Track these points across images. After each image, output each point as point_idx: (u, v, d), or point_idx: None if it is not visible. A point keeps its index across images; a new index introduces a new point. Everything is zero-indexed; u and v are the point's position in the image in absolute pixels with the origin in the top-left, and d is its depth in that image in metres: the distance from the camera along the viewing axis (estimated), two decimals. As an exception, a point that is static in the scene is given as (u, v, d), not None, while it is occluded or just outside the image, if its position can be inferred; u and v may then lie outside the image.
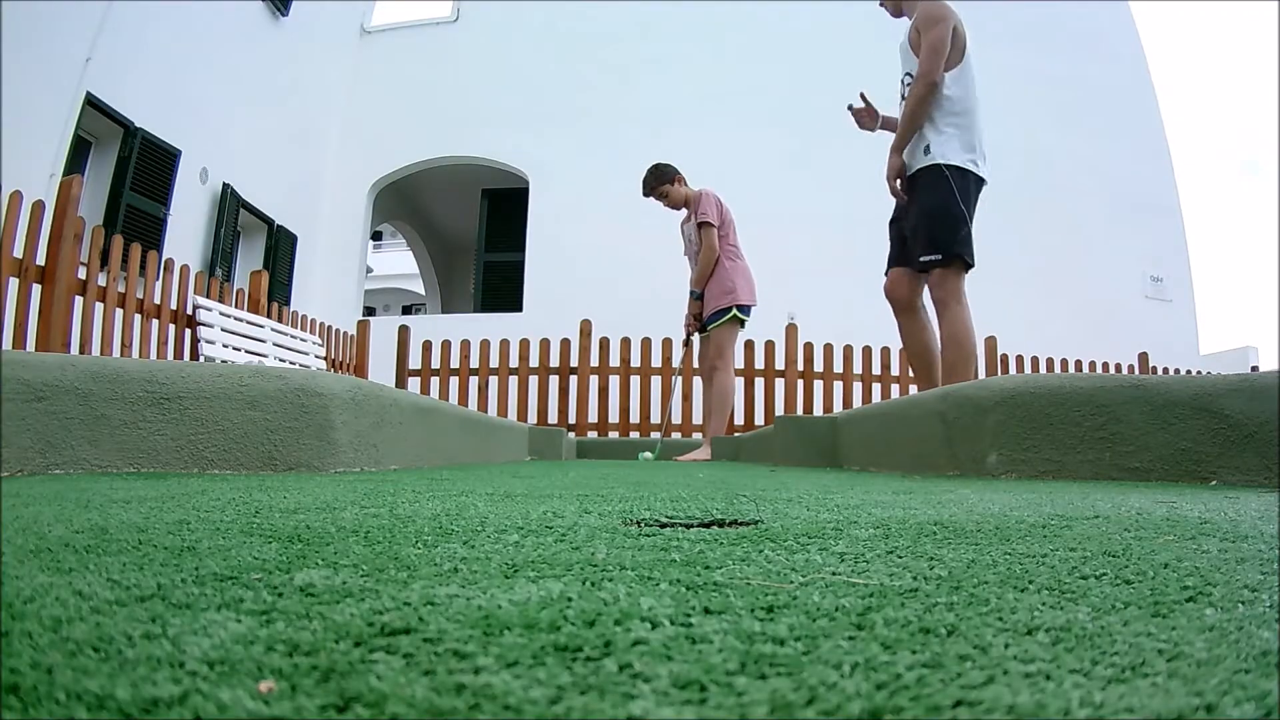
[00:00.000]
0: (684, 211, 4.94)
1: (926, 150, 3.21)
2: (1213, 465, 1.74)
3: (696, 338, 5.09)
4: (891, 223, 3.47)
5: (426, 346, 6.62)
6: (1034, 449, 1.94)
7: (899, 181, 3.28)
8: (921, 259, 3.17)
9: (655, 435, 6.21)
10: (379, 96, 10.30)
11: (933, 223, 3.16)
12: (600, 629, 0.40)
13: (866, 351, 6.54)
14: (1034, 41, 9.60)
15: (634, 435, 6.34)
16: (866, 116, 3.69)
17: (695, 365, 6.29)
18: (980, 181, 3.25)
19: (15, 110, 5.30)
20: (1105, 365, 7.68)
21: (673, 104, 9.36)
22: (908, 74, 3.31)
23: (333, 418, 2.08)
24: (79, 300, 4.21)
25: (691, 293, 4.76)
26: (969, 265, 3.16)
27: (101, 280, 4.43)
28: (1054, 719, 0.28)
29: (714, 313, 4.67)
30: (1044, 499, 1.25)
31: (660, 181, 4.80)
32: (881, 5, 3.55)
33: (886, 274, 3.46)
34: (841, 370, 6.51)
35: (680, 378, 6.08)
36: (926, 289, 3.30)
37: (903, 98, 3.36)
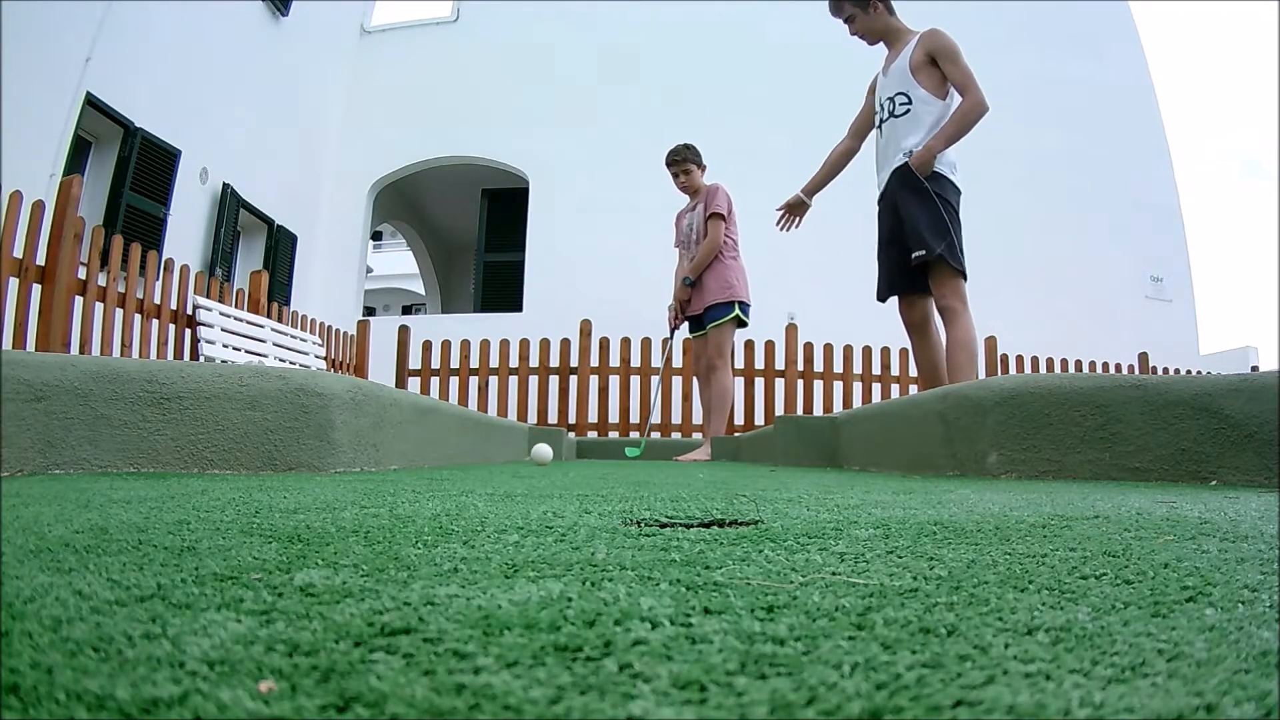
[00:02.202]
0: (685, 201, 4.96)
1: (910, 154, 3.32)
2: (1213, 465, 1.74)
3: (679, 334, 5.10)
4: (882, 249, 3.58)
5: (426, 346, 6.62)
6: (1034, 449, 1.94)
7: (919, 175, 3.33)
8: (914, 256, 3.27)
9: (634, 434, 6.21)
10: (379, 96, 10.29)
11: (918, 223, 3.28)
12: (600, 629, 0.40)
13: (866, 351, 6.54)
14: (1034, 41, 9.60)
15: (634, 435, 6.34)
16: (798, 211, 4.08)
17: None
18: (957, 190, 3.36)
19: (15, 110, 5.30)
20: (1105, 365, 7.68)
21: (673, 104, 9.36)
22: (902, 94, 3.40)
23: (333, 418, 2.08)
24: (79, 300, 4.21)
25: (685, 280, 4.75)
26: (960, 270, 3.26)
27: (101, 280, 4.43)
28: (1054, 719, 0.28)
29: (713, 309, 4.67)
30: (1044, 499, 1.25)
31: (691, 159, 4.84)
32: (855, 34, 3.64)
33: (882, 298, 3.61)
34: (841, 370, 6.51)
35: (660, 377, 6.07)
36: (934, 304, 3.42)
37: (891, 114, 3.47)
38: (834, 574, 0.57)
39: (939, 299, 3.30)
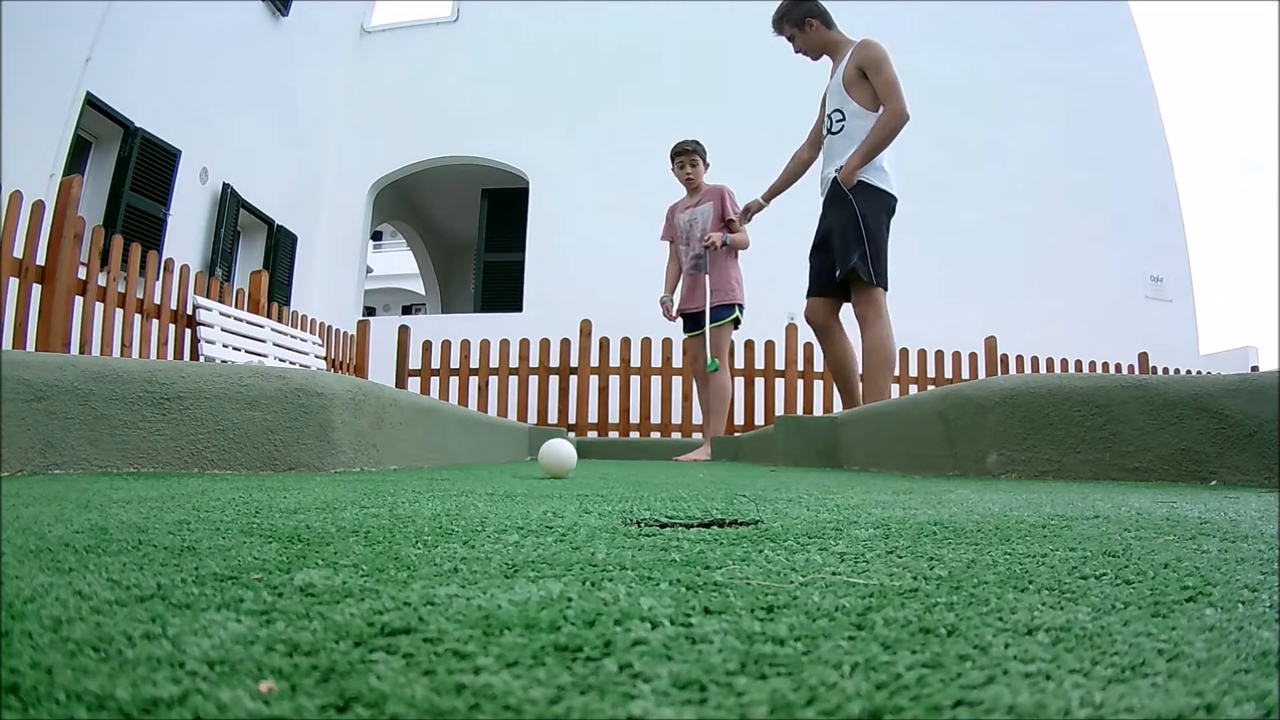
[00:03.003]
0: (684, 197, 4.95)
1: (838, 169, 3.42)
2: (1213, 465, 1.74)
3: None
4: (812, 252, 3.70)
5: (426, 346, 6.62)
6: (1034, 449, 1.94)
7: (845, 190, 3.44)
8: (835, 274, 3.45)
9: (655, 435, 6.21)
10: (379, 96, 10.29)
11: (840, 240, 3.42)
12: (600, 629, 0.40)
13: (866, 351, 6.53)
14: (1034, 41, 9.59)
15: (634, 435, 6.34)
16: (754, 210, 4.23)
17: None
18: (889, 197, 3.43)
19: (15, 110, 5.30)
20: (1105, 365, 7.68)
21: (672, 104, 9.36)
22: (837, 110, 3.45)
23: (333, 418, 2.08)
24: (79, 300, 4.21)
25: (725, 239, 4.66)
26: (872, 282, 3.38)
27: (101, 280, 4.43)
28: (1054, 719, 0.28)
29: (715, 309, 4.69)
30: (1044, 499, 1.25)
31: (700, 153, 4.87)
32: (799, 52, 3.68)
33: (808, 301, 3.74)
34: (841, 370, 6.51)
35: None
36: (849, 309, 3.59)
37: (829, 131, 3.49)
38: (834, 574, 0.57)
39: (855, 306, 3.46)
